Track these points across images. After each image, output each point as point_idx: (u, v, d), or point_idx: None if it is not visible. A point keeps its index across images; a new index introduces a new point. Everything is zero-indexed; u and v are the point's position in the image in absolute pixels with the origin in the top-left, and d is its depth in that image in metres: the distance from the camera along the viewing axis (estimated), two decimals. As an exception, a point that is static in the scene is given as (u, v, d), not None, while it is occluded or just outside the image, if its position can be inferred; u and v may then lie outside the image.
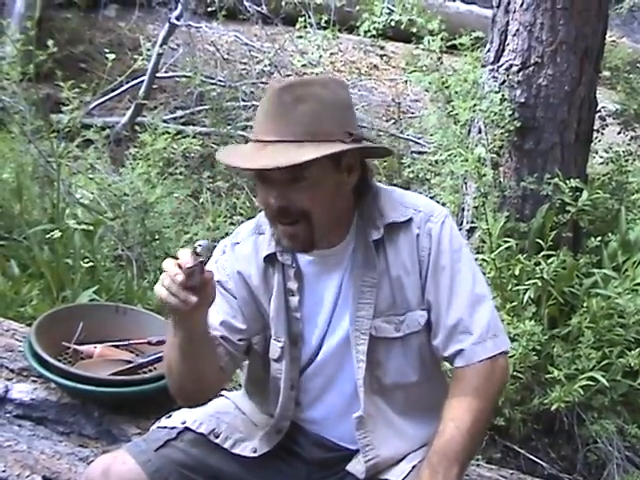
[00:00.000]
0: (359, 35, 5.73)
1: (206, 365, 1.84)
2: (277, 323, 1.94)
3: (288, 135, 1.73)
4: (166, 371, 1.89)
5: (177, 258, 1.65)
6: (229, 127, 5.98)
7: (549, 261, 3.35)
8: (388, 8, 5.26)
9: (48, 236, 3.66)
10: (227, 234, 2.11)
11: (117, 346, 2.86)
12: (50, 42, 4.09)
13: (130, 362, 2.76)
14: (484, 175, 3.55)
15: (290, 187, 1.76)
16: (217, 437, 1.97)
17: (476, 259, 2.13)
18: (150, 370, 2.76)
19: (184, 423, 1.98)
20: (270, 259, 1.95)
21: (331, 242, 1.90)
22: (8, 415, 2.67)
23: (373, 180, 1.95)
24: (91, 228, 3.85)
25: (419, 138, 5.76)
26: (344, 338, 1.92)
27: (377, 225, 1.88)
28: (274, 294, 1.94)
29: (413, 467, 1.89)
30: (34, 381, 2.76)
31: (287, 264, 1.94)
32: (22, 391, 2.72)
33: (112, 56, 4.24)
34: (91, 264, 3.66)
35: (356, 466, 1.93)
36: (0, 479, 2.38)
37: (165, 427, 1.99)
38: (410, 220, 1.89)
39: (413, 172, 4.35)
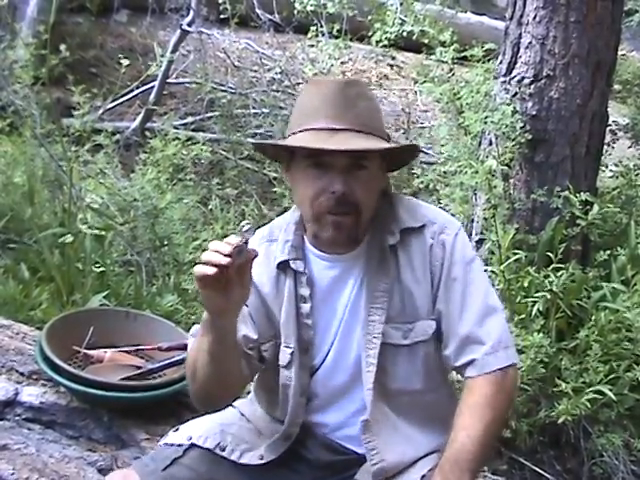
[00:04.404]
0: (370, 45, 5.72)
1: (231, 369, 1.84)
2: (287, 330, 1.95)
3: (356, 125, 1.83)
4: (189, 374, 1.90)
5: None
6: (239, 134, 5.99)
7: (558, 274, 3.35)
8: (400, 18, 5.26)
9: (59, 240, 3.66)
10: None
11: (127, 351, 2.87)
12: (62, 46, 4.09)
13: (140, 367, 2.78)
14: (494, 187, 3.56)
15: (351, 175, 1.84)
16: (223, 450, 1.97)
17: (485, 271, 2.14)
18: (160, 376, 2.77)
19: (190, 439, 1.98)
20: (282, 266, 1.97)
21: (347, 247, 1.92)
22: (17, 418, 2.67)
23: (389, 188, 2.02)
24: (102, 233, 3.85)
25: (429, 148, 5.75)
26: (355, 343, 1.93)
27: (392, 230, 1.91)
28: (285, 301, 1.95)
29: (422, 476, 1.89)
30: (44, 385, 2.77)
31: (299, 271, 1.95)
32: (32, 394, 2.73)
33: (126, 62, 4.24)
34: (101, 269, 3.67)
35: (364, 474, 1.93)
36: (9, 482, 2.39)
37: (172, 444, 1.98)
38: (424, 227, 1.92)
39: (423, 182, 4.36)
